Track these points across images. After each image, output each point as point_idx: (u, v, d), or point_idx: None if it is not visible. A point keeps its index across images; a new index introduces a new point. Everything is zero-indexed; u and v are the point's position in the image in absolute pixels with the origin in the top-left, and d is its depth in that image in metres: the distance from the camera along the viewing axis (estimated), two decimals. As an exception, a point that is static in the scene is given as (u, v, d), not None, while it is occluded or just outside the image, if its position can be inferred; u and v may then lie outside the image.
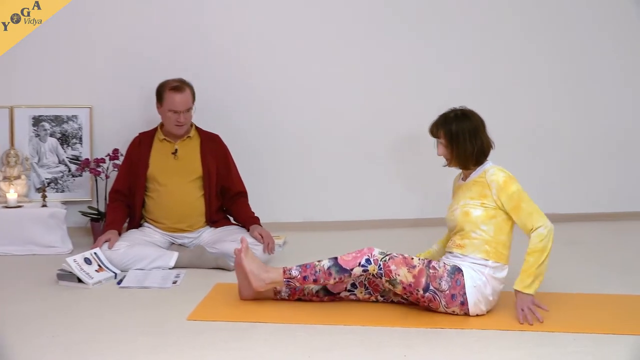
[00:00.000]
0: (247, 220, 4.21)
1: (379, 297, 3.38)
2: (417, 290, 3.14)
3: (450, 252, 3.31)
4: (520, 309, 3.14)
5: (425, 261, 3.19)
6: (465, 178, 3.36)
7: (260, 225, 4.19)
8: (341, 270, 3.16)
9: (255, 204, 4.33)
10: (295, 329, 3.09)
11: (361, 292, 3.38)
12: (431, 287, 3.14)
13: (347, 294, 3.38)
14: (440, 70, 4.97)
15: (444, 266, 3.20)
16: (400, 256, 3.16)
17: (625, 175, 5.26)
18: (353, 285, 3.36)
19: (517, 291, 3.17)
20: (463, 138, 3.24)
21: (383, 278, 3.14)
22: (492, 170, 3.27)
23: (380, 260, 3.13)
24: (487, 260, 3.23)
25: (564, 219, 5.11)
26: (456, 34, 4.96)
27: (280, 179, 4.95)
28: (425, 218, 4.89)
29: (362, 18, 4.89)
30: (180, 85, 4.12)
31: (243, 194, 4.32)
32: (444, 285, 3.16)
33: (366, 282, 3.36)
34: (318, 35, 4.88)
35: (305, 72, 4.89)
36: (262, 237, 4.05)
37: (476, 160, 3.28)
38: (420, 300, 3.18)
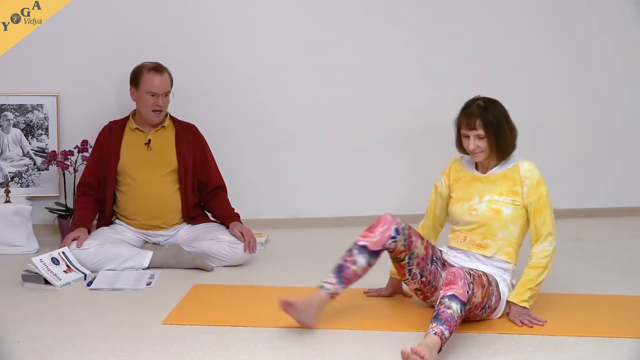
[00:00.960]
0: (227, 217, 4.19)
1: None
2: (476, 309, 3.05)
3: (462, 251, 3.24)
4: (518, 321, 3.16)
5: (486, 277, 3.09)
6: (483, 170, 3.29)
7: (241, 222, 4.17)
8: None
9: (236, 199, 4.31)
10: (280, 333, 3.08)
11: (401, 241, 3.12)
12: (486, 305, 3.10)
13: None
14: (433, 66, 4.98)
15: (494, 279, 3.15)
16: (477, 275, 3.05)
17: (627, 170, 5.30)
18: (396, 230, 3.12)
19: (512, 304, 3.19)
20: (502, 125, 3.19)
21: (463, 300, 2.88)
22: (526, 165, 3.25)
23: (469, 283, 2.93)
24: (509, 263, 3.24)
25: (564, 214, 5.13)
26: (451, 30, 4.97)
27: (262, 172, 4.92)
28: (419, 214, 4.89)
29: (351, 8, 4.87)
30: (159, 67, 4.11)
31: (222, 188, 4.30)
32: (493, 300, 3.14)
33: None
34: (305, 24, 4.86)
35: (291, 61, 4.87)
36: (242, 235, 4.03)
37: (513, 147, 3.25)
38: (469, 314, 3.05)
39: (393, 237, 3.10)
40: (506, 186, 3.23)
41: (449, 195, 3.39)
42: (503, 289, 3.19)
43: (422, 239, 3.21)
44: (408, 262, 3.15)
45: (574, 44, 5.12)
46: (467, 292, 2.88)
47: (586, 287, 3.71)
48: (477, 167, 3.33)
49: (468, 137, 3.21)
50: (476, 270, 3.12)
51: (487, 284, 3.08)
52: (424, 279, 3.19)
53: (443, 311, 2.82)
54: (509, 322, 3.18)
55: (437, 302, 2.87)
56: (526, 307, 3.17)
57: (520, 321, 3.14)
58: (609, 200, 5.27)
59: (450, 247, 3.32)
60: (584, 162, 5.23)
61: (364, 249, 3.08)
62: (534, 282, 3.17)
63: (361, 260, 3.08)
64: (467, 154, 3.30)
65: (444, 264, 3.25)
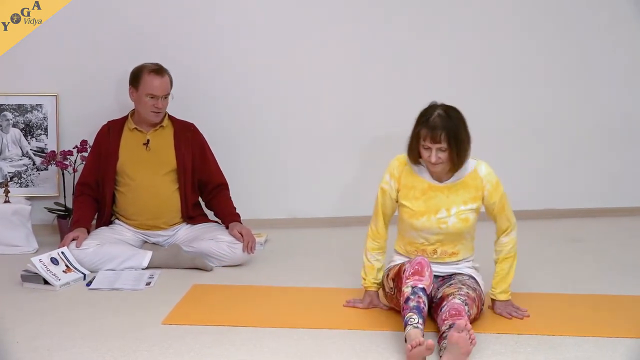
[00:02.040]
0: (226, 217, 4.19)
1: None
2: (476, 316, 3.12)
3: (437, 262, 3.22)
4: (506, 313, 3.24)
5: (469, 287, 3.12)
6: (438, 178, 3.22)
7: (241, 222, 4.17)
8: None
9: (234, 199, 4.31)
10: (279, 333, 3.08)
11: None
12: (480, 307, 3.17)
13: None
14: (432, 66, 4.98)
15: (471, 279, 3.21)
16: (466, 294, 3.08)
17: (627, 169, 5.30)
18: None
19: (498, 300, 3.27)
20: (462, 137, 3.12)
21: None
22: (484, 168, 3.23)
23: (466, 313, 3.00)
24: (472, 255, 3.31)
25: (562, 214, 5.16)
26: (451, 31, 4.98)
27: (261, 172, 4.92)
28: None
29: (350, 9, 4.88)
30: (160, 69, 4.11)
31: (223, 186, 4.30)
32: (482, 296, 3.21)
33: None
34: (304, 25, 4.86)
35: (291, 62, 4.86)
36: (241, 235, 4.03)
37: (468, 156, 3.18)
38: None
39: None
40: (469, 193, 3.21)
41: (396, 199, 3.31)
42: (478, 278, 3.27)
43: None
44: None
45: (573, 43, 5.11)
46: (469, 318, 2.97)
47: (585, 287, 3.71)
48: (432, 174, 3.24)
49: (429, 149, 3.12)
50: (460, 285, 3.12)
51: (473, 292, 3.12)
52: None
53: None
54: (508, 321, 3.20)
55: (448, 326, 2.85)
56: (509, 299, 3.27)
57: (508, 312, 3.23)
58: (609, 200, 5.27)
59: None
60: (583, 162, 5.23)
61: (424, 290, 2.99)
62: (510, 274, 3.26)
63: (426, 300, 2.98)
64: (418, 162, 3.23)
65: None
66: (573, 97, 5.18)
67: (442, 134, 3.08)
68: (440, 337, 2.87)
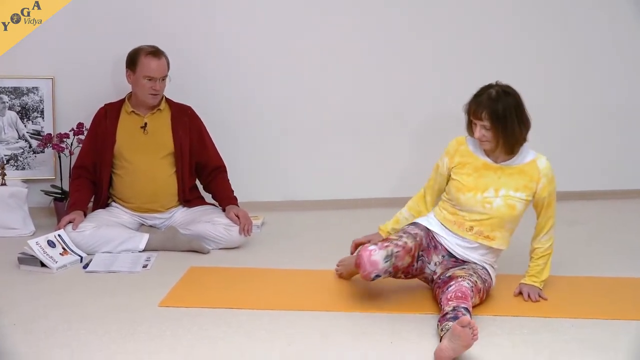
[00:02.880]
0: (224, 200, 4.19)
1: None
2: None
3: (466, 240, 3.22)
4: (529, 294, 3.28)
5: (480, 278, 3.14)
6: (494, 158, 3.24)
7: (237, 205, 4.17)
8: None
9: (232, 182, 4.30)
10: (276, 315, 3.09)
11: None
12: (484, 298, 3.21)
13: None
14: (428, 52, 4.96)
15: (484, 271, 3.22)
16: (474, 283, 3.10)
17: (627, 152, 5.30)
18: None
19: (530, 284, 3.31)
20: (511, 118, 3.13)
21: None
22: (544, 162, 3.24)
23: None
24: (504, 249, 3.31)
25: (562, 197, 5.10)
26: (449, 16, 4.95)
27: (258, 155, 4.91)
28: (410, 197, 4.92)
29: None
30: (157, 51, 4.09)
31: (221, 168, 4.29)
32: (487, 289, 3.24)
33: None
34: (303, 9, 4.83)
35: (289, 45, 4.84)
36: (238, 217, 4.03)
37: (522, 141, 3.20)
38: None
39: (377, 275, 3.07)
40: (523, 181, 3.21)
41: (449, 176, 3.34)
42: (492, 273, 3.28)
43: (409, 251, 3.14)
44: (394, 275, 3.20)
45: (573, 27, 5.09)
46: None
47: (582, 269, 3.72)
48: (487, 154, 3.27)
49: (475, 124, 3.18)
50: (472, 272, 3.14)
51: (482, 283, 3.14)
52: (409, 275, 3.27)
53: (462, 316, 2.83)
54: (504, 304, 3.21)
55: (452, 308, 2.88)
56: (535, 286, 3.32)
57: (528, 293, 3.27)
58: (612, 183, 5.28)
59: (451, 231, 3.26)
60: (584, 142, 5.23)
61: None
62: (546, 270, 3.33)
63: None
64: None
65: (436, 246, 3.25)
66: (573, 93, 5.17)
67: (483, 112, 3.13)
68: (443, 317, 2.87)
